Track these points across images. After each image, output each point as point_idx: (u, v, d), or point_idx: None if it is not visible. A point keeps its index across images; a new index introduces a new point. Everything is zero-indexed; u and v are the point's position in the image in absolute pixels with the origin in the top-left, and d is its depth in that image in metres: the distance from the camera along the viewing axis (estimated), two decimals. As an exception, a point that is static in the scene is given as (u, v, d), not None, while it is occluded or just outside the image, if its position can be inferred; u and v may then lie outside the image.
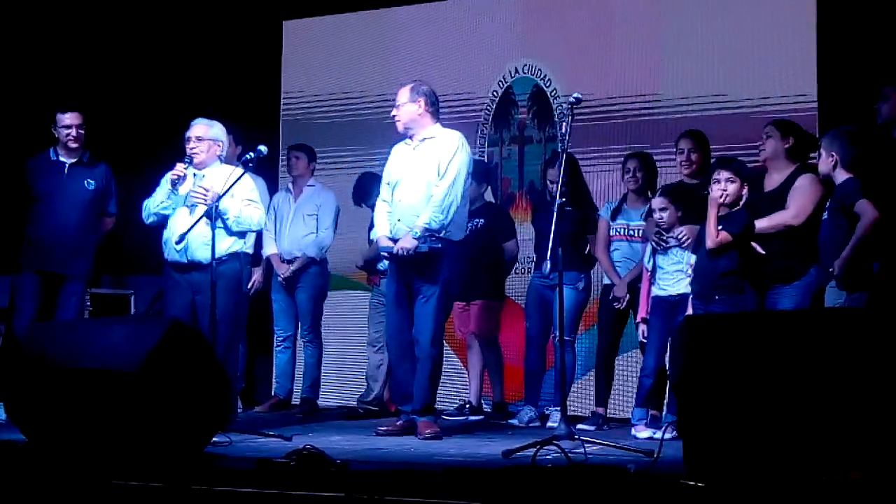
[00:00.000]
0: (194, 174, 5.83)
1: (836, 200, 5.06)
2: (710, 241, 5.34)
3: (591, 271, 6.51)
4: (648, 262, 5.86)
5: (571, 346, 6.26)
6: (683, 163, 6.04)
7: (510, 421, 6.40)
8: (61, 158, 6.52)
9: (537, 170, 7.14)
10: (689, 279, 5.60)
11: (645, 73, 7.04)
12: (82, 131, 6.50)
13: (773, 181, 5.57)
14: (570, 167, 5.84)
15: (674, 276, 5.73)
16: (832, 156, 5.05)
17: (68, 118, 6.49)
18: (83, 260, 6.49)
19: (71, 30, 8.00)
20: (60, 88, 7.07)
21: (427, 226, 5.61)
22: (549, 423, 6.20)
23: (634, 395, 6.03)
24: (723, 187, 5.35)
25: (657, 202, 5.78)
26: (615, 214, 6.28)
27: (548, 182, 6.46)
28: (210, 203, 5.65)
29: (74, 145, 6.50)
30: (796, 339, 3.70)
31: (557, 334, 6.21)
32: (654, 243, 5.80)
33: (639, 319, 5.94)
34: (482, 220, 6.78)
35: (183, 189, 5.80)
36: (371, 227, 6.30)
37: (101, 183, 6.55)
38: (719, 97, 6.75)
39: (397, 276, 5.76)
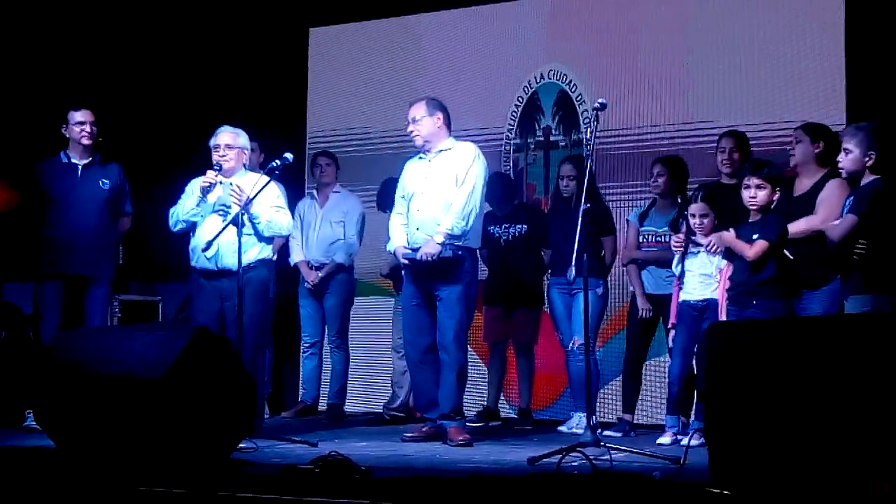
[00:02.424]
0: (220, 182, 5.86)
1: (854, 201, 4.90)
2: (748, 253, 5.24)
3: (616, 277, 6.50)
4: (676, 267, 5.82)
5: (593, 353, 6.27)
6: (724, 162, 5.98)
7: (559, 428, 6.38)
8: (73, 161, 6.48)
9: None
10: (716, 285, 5.56)
11: (670, 77, 7.01)
12: (95, 128, 6.47)
13: (802, 185, 5.52)
14: (583, 168, 5.83)
15: (701, 280, 5.69)
16: (870, 156, 4.88)
17: (80, 115, 6.45)
18: (106, 261, 6.46)
19: (96, 36, 8.06)
20: (90, 96, 7.09)
21: (450, 231, 5.66)
22: (561, 428, 6.29)
23: (665, 403, 6.00)
24: (752, 194, 5.26)
25: (697, 208, 5.67)
26: (642, 220, 6.25)
27: (560, 178, 6.47)
28: (241, 205, 5.67)
29: (88, 142, 6.46)
30: (823, 345, 3.66)
31: (575, 341, 6.23)
32: (676, 248, 5.75)
33: (669, 326, 5.90)
34: (525, 227, 6.79)
35: (212, 197, 5.83)
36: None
37: (115, 182, 6.51)
38: (747, 102, 6.71)
39: (415, 282, 5.80)
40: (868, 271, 4.82)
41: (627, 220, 6.37)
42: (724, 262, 5.48)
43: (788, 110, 6.48)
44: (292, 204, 6.95)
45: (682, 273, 5.76)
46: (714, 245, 5.57)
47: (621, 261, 6.41)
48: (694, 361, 5.71)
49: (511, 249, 6.79)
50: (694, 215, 5.68)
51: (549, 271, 6.68)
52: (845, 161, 4.95)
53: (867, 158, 4.89)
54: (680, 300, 5.77)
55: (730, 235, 5.33)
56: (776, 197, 5.29)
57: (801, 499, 3.45)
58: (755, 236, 5.23)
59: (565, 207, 6.39)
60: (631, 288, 6.26)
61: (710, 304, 5.57)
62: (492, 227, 6.79)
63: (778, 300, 5.23)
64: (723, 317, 5.34)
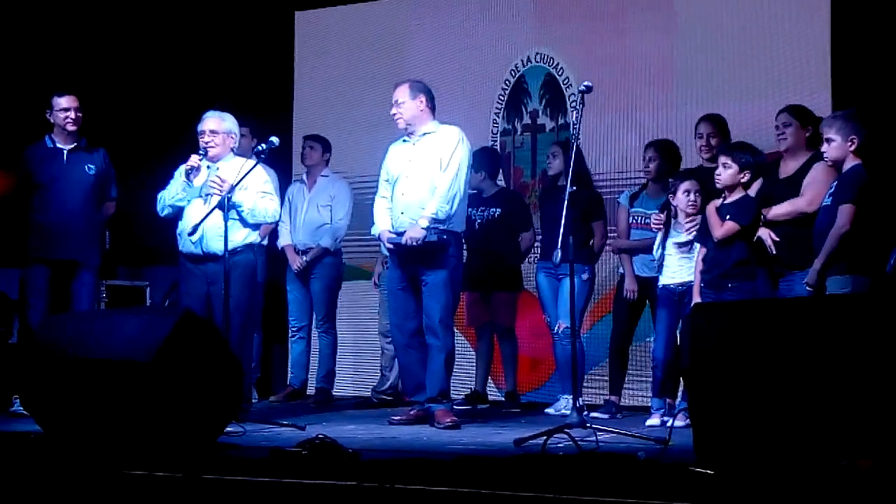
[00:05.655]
0: (208, 166, 5.85)
1: (840, 188, 5.00)
2: (716, 232, 5.30)
3: (603, 261, 6.50)
4: (657, 251, 5.83)
5: (578, 336, 6.29)
6: (703, 147, 5.99)
7: (546, 410, 6.40)
8: (59, 145, 6.42)
9: (550, 159, 7.13)
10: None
11: (658, 59, 7.00)
12: (80, 114, 6.40)
13: (788, 168, 5.54)
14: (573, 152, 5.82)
15: (681, 263, 5.71)
16: (852, 140, 4.96)
17: (65, 101, 6.38)
18: (93, 246, 6.43)
19: (82, 20, 8.04)
20: (75, 80, 7.07)
21: (434, 216, 5.67)
22: (548, 410, 6.30)
23: (650, 386, 6.03)
24: (718, 171, 5.33)
25: (690, 184, 5.68)
26: (632, 201, 6.25)
27: (549, 156, 6.48)
28: (222, 195, 5.66)
29: (73, 128, 6.40)
30: (806, 325, 3.69)
31: (560, 325, 6.24)
32: (655, 227, 5.78)
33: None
34: (499, 210, 6.79)
35: (197, 181, 5.82)
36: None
37: (101, 167, 6.47)
38: (734, 85, 6.70)
39: (401, 267, 5.80)
40: (849, 253, 4.90)
41: (618, 202, 6.37)
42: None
43: (774, 94, 6.48)
44: (282, 189, 6.95)
45: (662, 257, 5.79)
46: (694, 224, 5.60)
47: (611, 249, 6.42)
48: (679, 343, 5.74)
49: (486, 233, 6.78)
50: (688, 191, 5.67)
51: (537, 255, 6.68)
52: (829, 150, 5.05)
53: (849, 143, 4.97)
54: (660, 284, 5.80)
55: (711, 206, 5.35)
56: (743, 179, 5.33)
57: (784, 478, 3.47)
58: (727, 217, 5.27)
59: (555, 192, 6.39)
60: (620, 269, 6.28)
61: (690, 288, 5.59)
62: (468, 210, 6.78)
63: (753, 282, 5.28)
64: (697, 298, 5.37)
